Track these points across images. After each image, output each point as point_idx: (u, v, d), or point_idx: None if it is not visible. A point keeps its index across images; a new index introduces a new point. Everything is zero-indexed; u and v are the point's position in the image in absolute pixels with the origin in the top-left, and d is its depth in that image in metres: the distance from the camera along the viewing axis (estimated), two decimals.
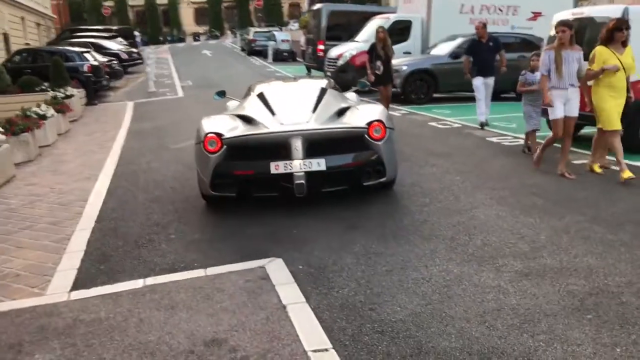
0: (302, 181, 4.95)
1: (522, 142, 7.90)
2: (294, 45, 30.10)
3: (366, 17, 18.93)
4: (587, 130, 8.31)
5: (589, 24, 7.60)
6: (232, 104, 7.14)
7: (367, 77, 10.11)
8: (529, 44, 13.73)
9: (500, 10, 16.09)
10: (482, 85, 9.62)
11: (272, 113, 5.54)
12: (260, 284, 3.70)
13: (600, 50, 6.01)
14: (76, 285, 3.88)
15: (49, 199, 6.22)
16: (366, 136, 5.20)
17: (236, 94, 7.52)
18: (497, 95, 14.23)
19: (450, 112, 11.66)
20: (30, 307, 3.55)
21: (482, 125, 9.58)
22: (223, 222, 5.26)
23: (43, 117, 9.48)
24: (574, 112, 6.12)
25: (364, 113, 5.59)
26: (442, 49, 13.54)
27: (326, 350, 2.89)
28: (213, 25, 57.73)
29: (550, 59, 6.04)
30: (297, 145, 5.00)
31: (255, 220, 5.14)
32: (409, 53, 15.39)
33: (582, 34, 7.21)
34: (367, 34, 16.19)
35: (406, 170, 6.54)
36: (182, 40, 53.07)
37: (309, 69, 22.56)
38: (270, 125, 5.29)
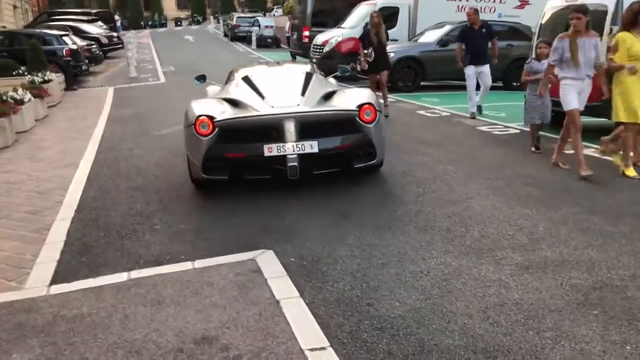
0: (295, 163, 4.97)
1: (513, 131, 7.81)
2: (278, 31, 29.72)
3: (352, 3, 18.65)
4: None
5: None
6: (212, 89, 7.15)
7: (360, 63, 9.91)
8: (517, 33, 13.64)
9: None
10: (473, 74, 9.36)
11: (261, 96, 5.52)
12: (251, 277, 3.53)
13: (623, 37, 5.52)
14: (56, 279, 3.67)
15: (26, 187, 5.95)
16: (357, 119, 5.21)
17: (219, 80, 7.36)
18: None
19: (438, 101, 11.54)
20: (7, 303, 3.33)
21: (473, 115, 9.37)
22: (210, 211, 5.07)
23: (20, 102, 9.12)
24: (583, 104, 5.76)
25: (353, 96, 5.57)
26: (430, 37, 13.38)
27: (324, 348, 2.74)
28: (195, 10, 56.89)
29: (564, 47, 5.62)
30: (290, 127, 5.00)
31: (245, 209, 4.97)
32: (396, 40, 15.16)
33: None
34: (353, 20, 16.01)
35: (397, 159, 6.41)
36: (163, 25, 52.18)
37: (294, 55, 22.24)
38: (260, 108, 5.27)
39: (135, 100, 12.83)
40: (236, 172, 5.22)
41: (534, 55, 7.46)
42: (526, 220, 4.51)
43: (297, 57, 20.07)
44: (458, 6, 15.84)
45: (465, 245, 4.04)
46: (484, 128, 8.47)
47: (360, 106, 5.24)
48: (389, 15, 15.60)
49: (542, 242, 4.06)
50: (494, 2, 16.03)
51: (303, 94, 5.56)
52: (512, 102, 11.23)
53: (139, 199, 5.41)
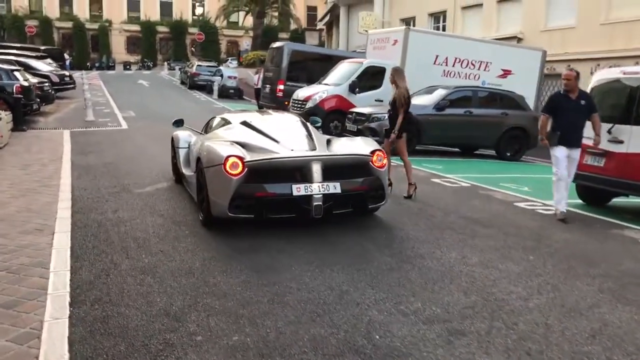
0: (320, 203, 5.25)
1: (553, 210, 6.95)
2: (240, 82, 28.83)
3: (329, 59, 18.13)
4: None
5: None
6: (182, 134, 7.84)
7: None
8: (512, 101, 13.29)
9: (473, 65, 15.73)
10: (564, 158, 6.72)
11: (274, 140, 5.86)
12: None
13: None
14: None
15: None
16: (370, 163, 5.68)
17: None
18: (470, 152, 13.76)
19: (442, 167, 10.73)
20: None
21: (563, 217, 6.77)
22: (260, 303, 3.78)
23: None
24: None
25: (359, 143, 6.09)
26: (424, 100, 12.74)
27: None
28: (146, 55, 55.29)
29: None
30: (317, 169, 5.33)
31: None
32: (381, 101, 14.54)
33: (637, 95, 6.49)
34: (336, 77, 15.31)
35: (461, 243, 5.36)
36: (111, 67, 50.22)
37: (261, 108, 21.30)
38: (280, 151, 5.58)
39: (98, 147, 11.30)
40: (262, 211, 5.30)
41: None
42: None
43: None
44: (444, 71, 15.54)
45: None
46: (523, 205, 7.58)
47: (372, 152, 5.72)
48: (374, 76, 15.08)
49: None
50: (479, 69, 15.81)
51: (311, 138, 6.01)
52: (522, 175, 10.66)
53: (155, 289, 4.04)
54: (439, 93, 12.58)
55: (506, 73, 16.06)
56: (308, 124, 6.77)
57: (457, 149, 13.86)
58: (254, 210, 5.30)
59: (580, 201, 7.80)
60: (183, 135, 7.94)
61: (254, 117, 6.88)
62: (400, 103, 7.41)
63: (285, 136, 6.12)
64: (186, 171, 7.28)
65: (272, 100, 18.62)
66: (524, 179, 9.71)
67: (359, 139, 6.63)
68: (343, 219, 5.82)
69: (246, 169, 5.17)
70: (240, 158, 5.20)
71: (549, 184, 7.10)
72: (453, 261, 4.87)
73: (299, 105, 14.88)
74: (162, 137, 13.23)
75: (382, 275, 4.44)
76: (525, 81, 15.95)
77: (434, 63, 15.32)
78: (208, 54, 51.14)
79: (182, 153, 7.72)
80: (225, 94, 26.61)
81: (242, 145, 5.66)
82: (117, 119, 16.82)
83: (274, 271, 4.47)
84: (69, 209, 6.32)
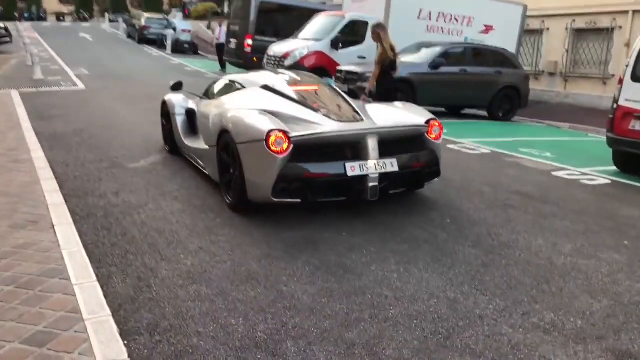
0: (376, 183, 4.57)
1: (602, 180, 6.46)
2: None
3: (300, 13, 16.96)
4: None
5: None
6: (177, 99, 6.80)
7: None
8: (505, 59, 12.73)
9: (456, 20, 15.01)
10: None
11: (312, 109, 5.03)
12: None
13: None
14: None
15: None
16: (425, 135, 5.00)
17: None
18: (457, 113, 13.21)
19: (447, 131, 10.04)
20: None
21: None
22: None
23: None
24: None
25: (407, 112, 5.38)
26: (416, 58, 11.95)
27: None
28: (81, 5, 51.37)
29: None
30: (374, 144, 4.59)
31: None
32: (364, 58, 13.66)
33: None
34: (315, 32, 14.27)
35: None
36: (42, 19, 46.40)
37: (223, 64, 19.95)
38: (321, 122, 4.78)
39: (59, 112, 9.94)
40: (311, 194, 4.50)
41: None
42: None
43: (238, 68, 17.89)
44: (428, 26, 14.76)
45: None
46: (563, 175, 7.02)
47: (427, 122, 5.03)
48: (356, 30, 14.13)
49: None
50: (462, 24, 15.12)
51: (351, 106, 5.28)
52: (532, 138, 10.20)
53: (221, 305, 3.18)
54: (433, 50, 11.82)
55: (488, 29, 15.46)
56: (335, 87, 6.02)
57: (442, 109, 13.26)
58: (302, 194, 4.51)
59: (614, 168, 7.35)
60: (178, 100, 6.87)
61: (274, 80, 5.87)
62: (381, 60, 6.98)
63: (322, 104, 5.32)
64: (190, 143, 6.27)
65: (238, 56, 17.38)
66: (538, 143, 9.22)
67: (398, 104, 5.86)
68: (382, 198, 4.95)
69: (292, 146, 4.34)
70: (285, 133, 4.35)
71: (567, 148, 6.70)
72: (546, 250, 4.23)
73: (276, 63, 13.79)
74: (131, 99, 11.98)
75: (480, 274, 3.75)
76: (507, 37, 15.40)
77: (418, 17, 14.48)
78: (150, 5, 48.06)
79: (179, 120, 6.68)
80: (180, 48, 24.86)
81: (274, 115, 4.81)
82: (70, 77, 15.13)
83: (351, 273, 3.69)
84: (58, 192, 5.24)
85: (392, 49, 7.81)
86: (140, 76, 16.09)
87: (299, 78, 6.26)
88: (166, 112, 7.01)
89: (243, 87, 5.93)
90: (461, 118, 12.76)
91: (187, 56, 23.93)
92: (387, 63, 7.73)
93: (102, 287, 3.32)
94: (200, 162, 5.89)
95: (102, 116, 9.72)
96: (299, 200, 4.53)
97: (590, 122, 12.53)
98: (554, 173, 7.07)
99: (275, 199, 4.46)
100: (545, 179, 6.79)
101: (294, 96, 5.37)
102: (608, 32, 16.88)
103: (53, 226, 4.28)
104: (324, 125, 4.74)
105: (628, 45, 15.94)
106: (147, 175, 6.02)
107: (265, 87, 5.62)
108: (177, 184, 5.71)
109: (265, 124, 4.48)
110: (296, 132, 4.46)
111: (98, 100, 11.62)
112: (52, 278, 3.39)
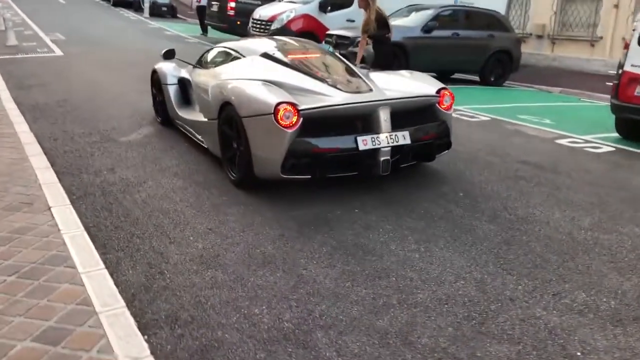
0: (388, 157, 4.40)
1: (606, 148, 6.38)
2: None
3: None
4: None
5: None
6: (168, 67, 6.47)
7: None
8: (498, 22, 12.47)
9: None
10: None
11: (319, 79, 4.81)
12: None
13: None
14: None
15: None
16: (437, 105, 4.81)
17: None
18: (448, 76, 13.00)
19: None
20: None
21: None
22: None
23: None
24: None
25: (415, 81, 5.22)
26: (407, 21, 11.64)
27: None
28: None
29: None
30: (386, 116, 4.39)
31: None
32: (353, 21, 13.29)
33: None
34: None
35: (568, 205, 4.64)
36: None
37: (205, 28, 19.35)
38: (329, 93, 4.57)
39: (38, 80, 9.49)
40: (320, 170, 4.29)
41: None
42: None
43: (220, 32, 17.35)
44: None
45: None
46: (566, 143, 6.93)
47: (438, 91, 4.84)
48: None
49: None
50: None
51: (358, 76, 5.08)
52: (528, 103, 10.07)
53: (241, 293, 3.01)
54: (425, 13, 11.51)
55: None
56: (339, 55, 5.81)
57: (433, 74, 13.03)
58: (311, 170, 4.30)
59: (616, 135, 7.28)
60: (170, 69, 6.54)
61: (273, 47, 5.59)
62: (366, 24, 6.79)
63: (327, 73, 5.09)
64: (185, 114, 6.00)
65: (221, 19, 16.82)
66: (534, 109, 9.10)
67: (405, 73, 5.69)
68: (390, 172, 4.69)
69: (301, 119, 4.10)
70: (294, 105, 4.10)
71: (563, 113, 6.59)
72: (565, 225, 4.13)
73: (262, 27, 13.36)
74: (112, 66, 11.51)
75: (503, 252, 3.63)
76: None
77: None
78: None
79: (172, 90, 6.38)
80: (157, 12, 23.98)
81: (279, 86, 4.58)
82: (46, 43, 14.50)
83: (371, 254, 3.54)
84: (49, 168, 4.97)
85: (381, 17, 7.62)
86: (118, 41, 15.50)
87: (297, 44, 5.99)
88: (157, 81, 6.69)
89: (241, 55, 5.64)
90: (452, 83, 12.56)
91: (165, 19, 23.14)
92: (370, 33, 7.59)
93: (111, 275, 3.12)
94: (198, 135, 5.63)
95: (84, 84, 9.32)
96: (309, 177, 4.33)
97: (581, 86, 12.44)
98: (558, 141, 6.97)
99: (285, 176, 4.26)
100: (549, 147, 6.68)
101: (297, 65, 5.13)
102: None
103: (49, 207, 4.04)
104: (333, 97, 4.53)
105: (617, 6, 15.78)
106: (141, 149, 5.75)
107: (265, 55, 5.35)
108: (174, 158, 5.46)
109: (272, 97, 4.24)
110: (305, 104, 4.23)
111: (78, 67, 11.15)
112: (57, 266, 3.17)
